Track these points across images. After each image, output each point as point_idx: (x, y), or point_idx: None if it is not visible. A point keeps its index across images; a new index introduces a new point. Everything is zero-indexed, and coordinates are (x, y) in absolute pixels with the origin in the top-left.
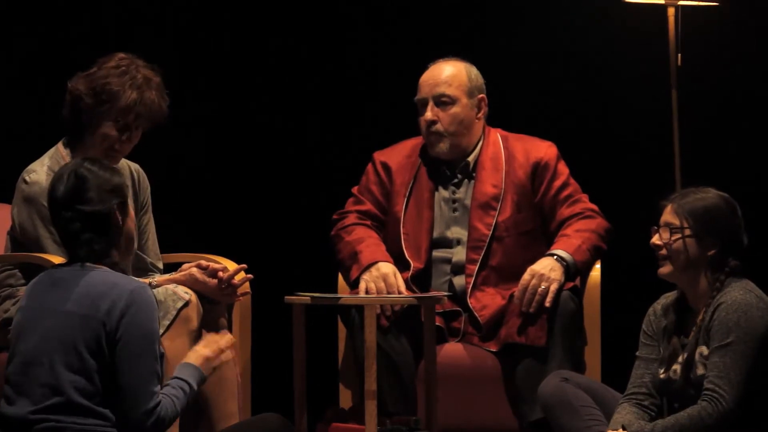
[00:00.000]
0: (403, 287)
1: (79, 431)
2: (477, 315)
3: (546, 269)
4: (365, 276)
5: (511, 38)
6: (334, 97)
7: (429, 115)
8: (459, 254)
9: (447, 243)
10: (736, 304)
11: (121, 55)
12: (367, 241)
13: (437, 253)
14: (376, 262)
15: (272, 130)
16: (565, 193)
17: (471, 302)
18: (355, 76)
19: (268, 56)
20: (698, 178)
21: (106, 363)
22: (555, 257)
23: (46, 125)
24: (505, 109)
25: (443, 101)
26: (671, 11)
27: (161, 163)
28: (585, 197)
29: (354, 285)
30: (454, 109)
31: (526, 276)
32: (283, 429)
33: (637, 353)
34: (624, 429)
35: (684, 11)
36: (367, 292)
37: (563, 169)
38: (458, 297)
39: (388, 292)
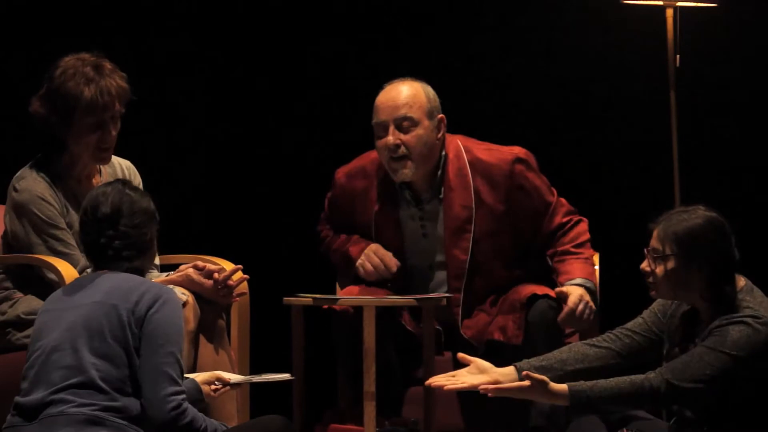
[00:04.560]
0: (393, 260)
1: (89, 415)
2: (473, 343)
3: (587, 296)
4: (358, 263)
5: (509, 39)
6: (332, 98)
7: (391, 139)
8: (436, 277)
9: (420, 269)
10: (746, 326)
11: (65, 58)
12: (351, 239)
13: (414, 276)
14: (362, 250)
15: (270, 130)
16: (541, 205)
17: (464, 332)
18: (354, 76)
19: (267, 57)
20: (695, 179)
21: (130, 352)
22: (586, 288)
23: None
24: (503, 110)
25: (405, 124)
26: (669, 12)
27: (159, 163)
28: (561, 200)
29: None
30: (418, 131)
31: (574, 299)
32: (286, 431)
33: (641, 316)
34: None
35: (682, 12)
36: (366, 274)
37: (535, 180)
38: (446, 320)
39: (384, 265)
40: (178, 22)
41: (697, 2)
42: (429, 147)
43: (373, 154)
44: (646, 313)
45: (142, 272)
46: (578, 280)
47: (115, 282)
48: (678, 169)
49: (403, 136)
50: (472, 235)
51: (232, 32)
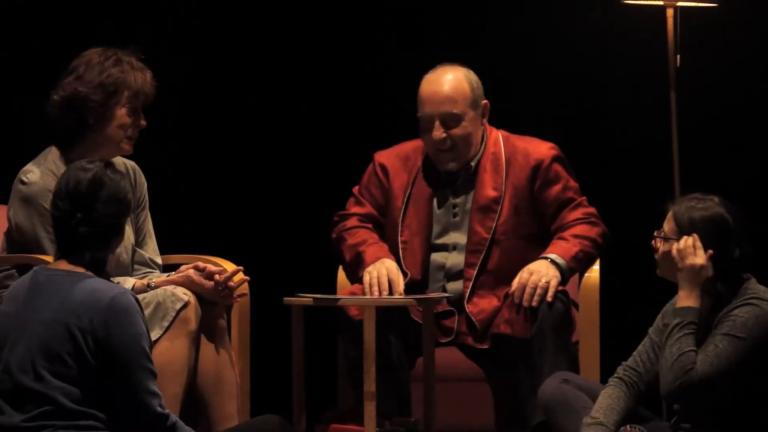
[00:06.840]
0: (402, 290)
1: None
2: (474, 321)
3: (542, 268)
4: (369, 268)
5: (509, 39)
6: (333, 96)
7: (437, 134)
8: (453, 259)
9: (443, 248)
10: (752, 306)
11: (97, 49)
12: (368, 241)
13: (433, 258)
14: (380, 259)
15: (271, 130)
16: (565, 197)
17: (469, 308)
18: (354, 75)
19: (268, 57)
20: (696, 179)
21: (92, 369)
22: (549, 260)
23: (41, 127)
24: (502, 110)
25: (450, 120)
26: (670, 12)
27: (160, 163)
28: (584, 200)
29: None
30: (464, 125)
31: (523, 274)
32: (283, 431)
33: (650, 330)
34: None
35: (683, 12)
36: (369, 284)
37: (563, 172)
38: (453, 301)
39: (390, 287)
40: (176, 23)
41: (697, 2)
42: (473, 137)
43: (413, 142)
44: (647, 342)
45: (103, 263)
46: (551, 256)
47: (66, 293)
48: (678, 169)
49: (448, 131)
50: (497, 215)
51: (231, 32)
